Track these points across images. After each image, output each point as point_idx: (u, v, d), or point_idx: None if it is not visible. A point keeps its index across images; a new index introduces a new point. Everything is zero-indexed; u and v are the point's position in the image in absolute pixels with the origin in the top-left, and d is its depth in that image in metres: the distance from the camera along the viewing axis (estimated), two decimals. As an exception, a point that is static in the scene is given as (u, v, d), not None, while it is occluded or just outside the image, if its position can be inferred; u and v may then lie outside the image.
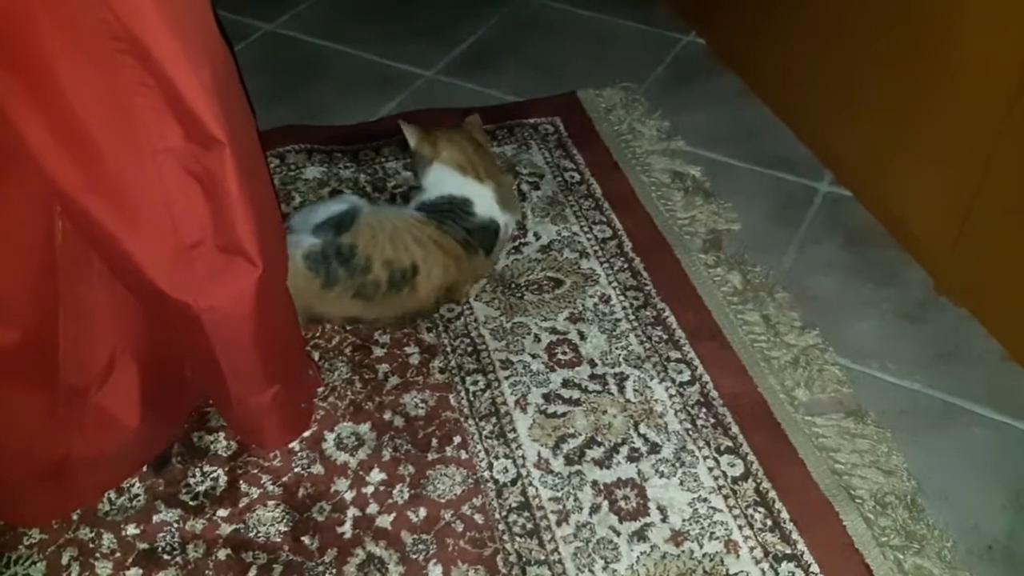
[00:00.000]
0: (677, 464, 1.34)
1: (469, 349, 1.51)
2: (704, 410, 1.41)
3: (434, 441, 1.37)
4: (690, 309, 1.57)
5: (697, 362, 1.48)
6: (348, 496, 1.31)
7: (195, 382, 1.36)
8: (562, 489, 1.31)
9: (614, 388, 1.45)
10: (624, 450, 1.36)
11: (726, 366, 1.48)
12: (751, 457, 1.35)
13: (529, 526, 1.27)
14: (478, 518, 1.28)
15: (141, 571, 1.22)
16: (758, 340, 1.52)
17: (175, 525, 1.27)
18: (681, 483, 1.32)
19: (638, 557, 1.23)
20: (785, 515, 1.28)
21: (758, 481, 1.32)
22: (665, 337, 1.52)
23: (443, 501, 1.30)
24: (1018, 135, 1.38)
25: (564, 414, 1.41)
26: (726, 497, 1.30)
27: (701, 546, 1.25)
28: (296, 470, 1.34)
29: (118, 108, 0.96)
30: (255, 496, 1.31)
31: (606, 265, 1.65)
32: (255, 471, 1.34)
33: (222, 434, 1.38)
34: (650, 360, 1.49)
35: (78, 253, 1.09)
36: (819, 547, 1.24)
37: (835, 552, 1.24)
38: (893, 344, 1.53)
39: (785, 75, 1.96)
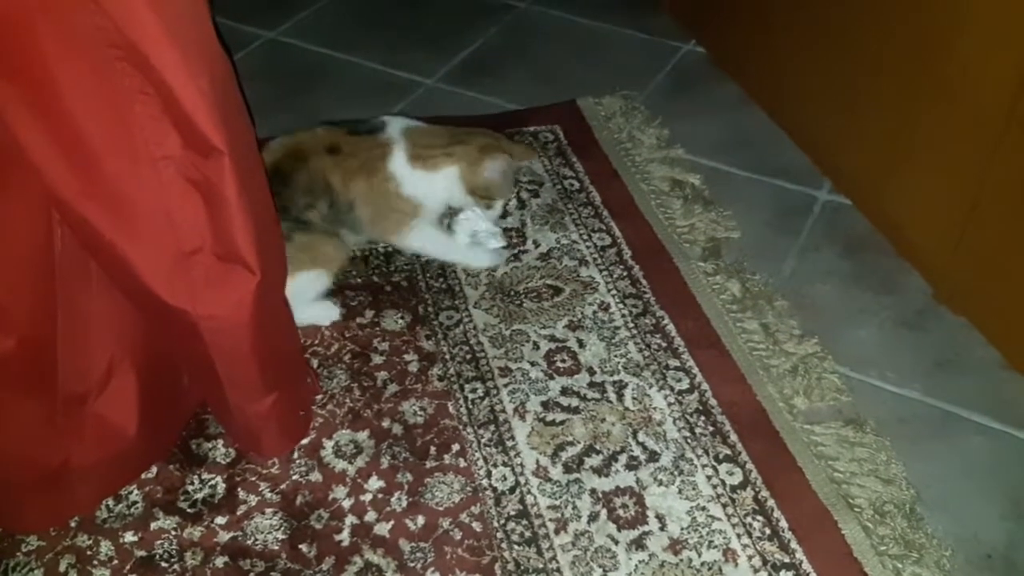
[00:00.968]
0: (676, 472, 1.34)
1: (468, 356, 1.51)
2: (703, 418, 1.41)
3: (432, 449, 1.37)
4: (689, 317, 1.57)
5: (696, 370, 1.48)
6: (346, 504, 1.31)
7: (193, 389, 1.36)
8: (560, 497, 1.31)
9: (613, 396, 1.45)
10: (623, 458, 1.36)
11: (725, 374, 1.48)
12: (750, 465, 1.35)
13: (527, 534, 1.27)
14: (476, 526, 1.28)
15: (139, 579, 1.22)
16: (757, 348, 1.52)
17: (173, 532, 1.27)
18: (680, 491, 1.32)
19: (636, 566, 1.23)
20: (784, 524, 1.28)
21: (757, 490, 1.32)
22: (664, 345, 1.52)
23: (441, 509, 1.30)
24: (1016, 143, 1.39)
25: (563, 422, 1.41)
26: (725, 505, 1.30)
27: (699, 555, 1.24)
28: (294, 478, 1.34)
29: (117, 116, 0.96)
30: (253, 503, 1.31)
31: (605, 273, 1.65)
32: (253, 479, 1.34)
33: (220, 441, 1.38)
34: (649, 368, 1.49)
35: (77, 261, 1.09)
36: (818, 556, 1.24)
37: (834, 561, 1.23)
38: (892, 352, 1.53)
39: (785, 83, 1.96)
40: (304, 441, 1.38)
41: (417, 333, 1.55)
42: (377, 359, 1.50)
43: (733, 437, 1.39)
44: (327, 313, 1.56)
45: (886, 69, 1.65)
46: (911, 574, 1.22)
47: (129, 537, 1.26)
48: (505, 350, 1.52)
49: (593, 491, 1.32)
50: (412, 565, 1.23)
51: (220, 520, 1.28)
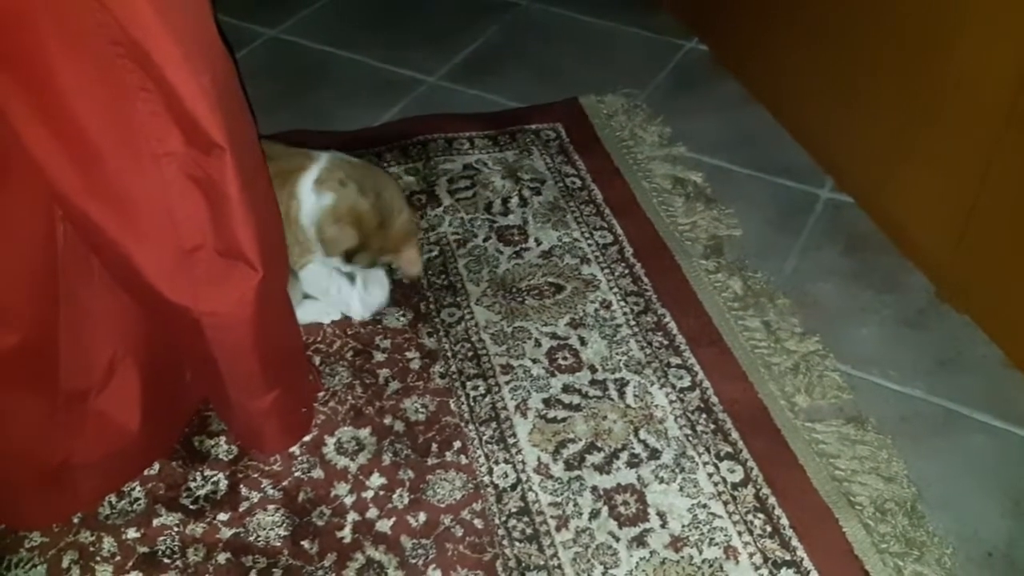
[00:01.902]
0: (677, 470, 1.34)
1: (470, 354, 1.51)
2: (704, 416, 1.41)
3: (434, 446, 1.38)
4: (691, 315, 1.57)
5: (697, 368, 1.48)
6: (348, 500, 1.31)
7: (195, 386, 1.36)
8: (562, 494, 1.31)
9: (614, 393, 1.45)
10: (624, 455, 1.36)
11: (726, 372, 1.48)
12: (751, 463, 1.35)
13: (529, 531, 1.27)
14: (478, 523, 1.28)
15: (141, 575, 1.22)
16: (759, 346, 1.52)
17: (175, 529, 1.27)
18: (681, 489, 1.32)
19: (637, 563, 1.23)
20: (785, 521, 1.28)
21: (758, 487, 1.32)
22: (666, 343, 1.53)
23: (443, 506, 1.30)
24: (1018, 142, 1.38)
25: (564, 419, 1.41)
26: (726, 503, 1.30)
27: (700, 552, 1.24)
28: (296, 474, 1.34)
29: (118, 112, 0.96)
30: (255, 500, 1.31)
31: (607, 271, 1.65)
32: (255, 475, 1.34)
33: (223, 438, 1.38)
34: (650, 366, 1.49)
35: (79, 257, 1.09)
36: (818, 553, 1.24)
37: (835, 559, 1.23)
38: (894, 350, 1.53)
39: (787, 81, 1.96)
40: (306, 438, 1.38)
41: (419, 330, 1.55)
42: (379, 356, 1.51)
43: (734, 435, 1.39)
44: (329, 310, 1.56)
45: (888, 67, 1.65)
46: (912, 572, 1.22)
47: (131, 533, 1.27)
48: (507, 347, 1.52)
49: (594, 488, 1.32)
50: (413, 562, 1.24)
51: (222, 517, 1.29)
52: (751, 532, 1.27)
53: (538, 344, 1.52)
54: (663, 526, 1.27)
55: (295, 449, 1.37)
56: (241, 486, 1.32)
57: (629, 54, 2.26)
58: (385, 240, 1.53)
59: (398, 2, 2.47)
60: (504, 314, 1.57)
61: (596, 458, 1.36)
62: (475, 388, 1.46)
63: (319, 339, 1.53)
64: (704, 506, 1.30)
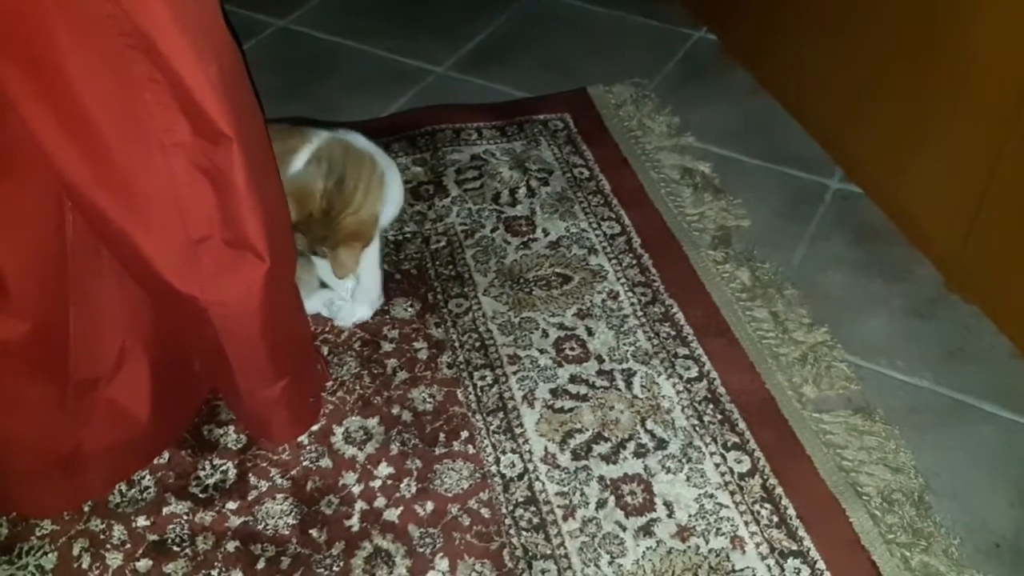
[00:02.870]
0: (684, 460, 1.34)
1: (477, 344, 1.51)
2: (711, 406, 1.41)
3: (442, 436, 1.38)
4: (698, 305, 1.57)
5: (705, 358, 1.48)
6: (356, 490, 1.32)
7: (204, 376, 1.37)
8: (568, 484, 1.32)
9: (621, 384, 1.45)
10: (631, 446, 1.36)
11: (734, 362, 1.47)
12: (758, 453, 1.35)
13: (536, 520, 1.27)
14: (485, 512, 1.28)
15: (151, 562, 1.23)
16: (766, 337, 1.51)
17: (185, 517, 1.28)
18: (688, 479, 1.32)
19: (644, 552, 1.24)
20: (791, 511, 1.28)
21: (765, 477, 1.32)
22: (673, 333, 1.52)
23: (450, 495, 1.31)
24: (1029, 131, 1.38)
25: (571, 409, 1.41)
26: (732, 493, 1.30)
27: (707, 542, 1.25)
28: (305, 464, 1.35)
29: (127, 103, 0.97)
30: (264, 489, 1.32)
31: (614, 261, 1.65)
32: (264, 464, 1.35)
33: (232, 427, 1.39)
34: (658, 356, 1.49)
35: (88, 247, 1.10)
36: (825, 544, 1.24)
37: (841, 549, 1.24)
38: (902, 341, 1.52)
39: (796, 71, 1.95)
40: (314, 427, 1.39)
41: (426, 321, 1.55)
42: (387, 347, 1.51)
43: (742, 425, 1.39)
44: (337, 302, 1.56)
45: (899, 57, 1.64)
46: (919, 562, 1.22)
47: (141, 521, 1.28)
48: (514, 338, 1.52)
49: (601, 478, 1.32)
50: (421, 551, 1.24)
51: (231, 505, 1.30)
52: (758, 522, 1.27)
53: (545, 334, 1.53)
54: (670, 516, 1.28)
55: (303, 438, 1.38)
56: (250, 475, 1.33)
57: (637, 44, 2.25)
58: (327, 230, 1.43)
59: (406, -8, 2.47)
60: (511, 304, 1.58)
61: (603, 448, 1.36)
62: (482, 378, 1.46)
63: (327, 329, 1.54)
64: (711, 496, 1.30)
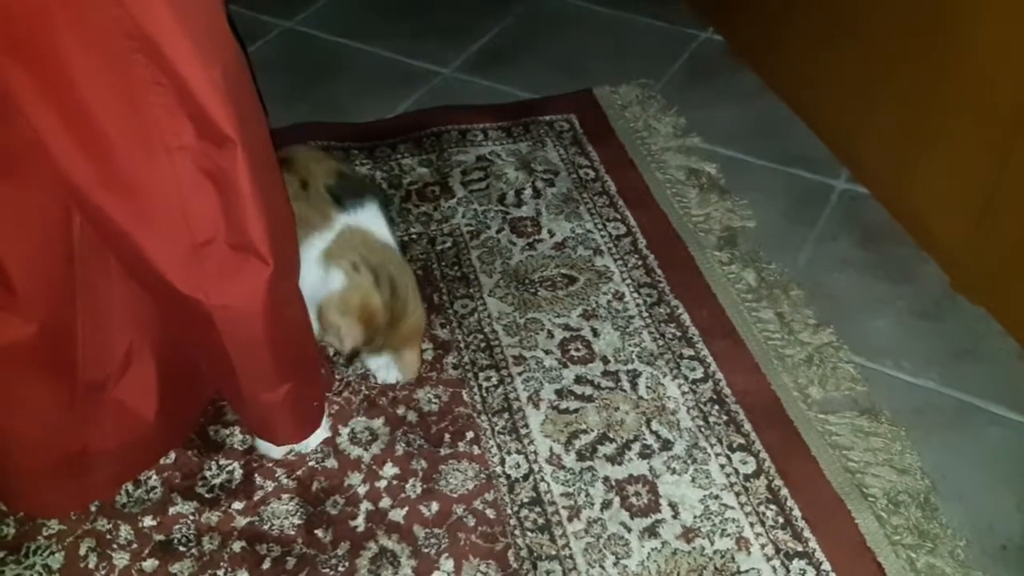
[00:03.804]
0: (689, 461, 1.34)
1: (483, 345, 1.51)
2: (717, 407, 1.41)
3: (447, 436, 1.38)
4: (704, 306, 1.57)
5: (710, 359, 1.48)
6: (361, 490, 1.32)
7: (209, 377, 1.37)
8: (574, 485, 1.32)
9: (627, 385, 1.45)
10: (636, 447, 1.36)
11: (739, 363, 1.47)
12: (763, 454, 1.35)
13: (540, 521, 1.28)
14: (490, 513, 1.29)
15: (157, 562, 1.24)
16: (772, 338, 1.51)
17: (191, 517, 1.29)
18: (693, 480, 1.32)
19: (649, 553, 1.24)
20: (797, 512, 1.28)
21: (770, 478, 1.32)
22: (678, 334, 1.52)
23: (455, 496, 1.31)
24: (1036, 132, 1.37)
25: (576, 410, 1.41)
26: (738, 494, 1.30)
27: (712, 543, 1.25)
28: (310, 464, 1.35)
29: (131, 106, 0.97)
30: (270, 489, 1.32)
31: (620, 262, 1.65)
32: (270, 464, 1.35)
33: (237, 428, 1.39)
34: (663, 357, 1.49)
35: (95, 248, 1.10)
36: (831, 545, 1.24)
37: (847, 550, 1.23)
38: (908, 342, 1.52)
39: (802, 72, 1.95)
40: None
41: (432, 321, 1.55)
42: (392, 347, 1.51)
43: (747, 426, 1.39)
44: None
45: (906, 58, 1.63)
46: (925, 564, 1.22)
47: (148, 521, 1.28)
48: (519, 338, 1.52)
49: (606, 479, 1.32)
50: (426, 551, 1.25)
51: (237, 505, 1.30)
52: (763, 523, 1.27)
53: (551, 335, 1.53)
54: (675, 517, 1.28)
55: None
56: (256, 475, 1.34)
57: (643, 44, 2.25)
58: (390, 338, 1.39)
59: (413, -7, 2.48)
60: (517, 305, 1.58)
61: (608, 449, 1.36)
62: (488, 379, 1.46)
63: (333, 330, 1.54)
64: (716, 497, 1.30)
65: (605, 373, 1.47)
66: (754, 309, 1.56)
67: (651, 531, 1.26)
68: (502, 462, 1.35)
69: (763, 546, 1.24)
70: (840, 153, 1.87)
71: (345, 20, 2.37)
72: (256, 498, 1.31)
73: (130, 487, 1.32)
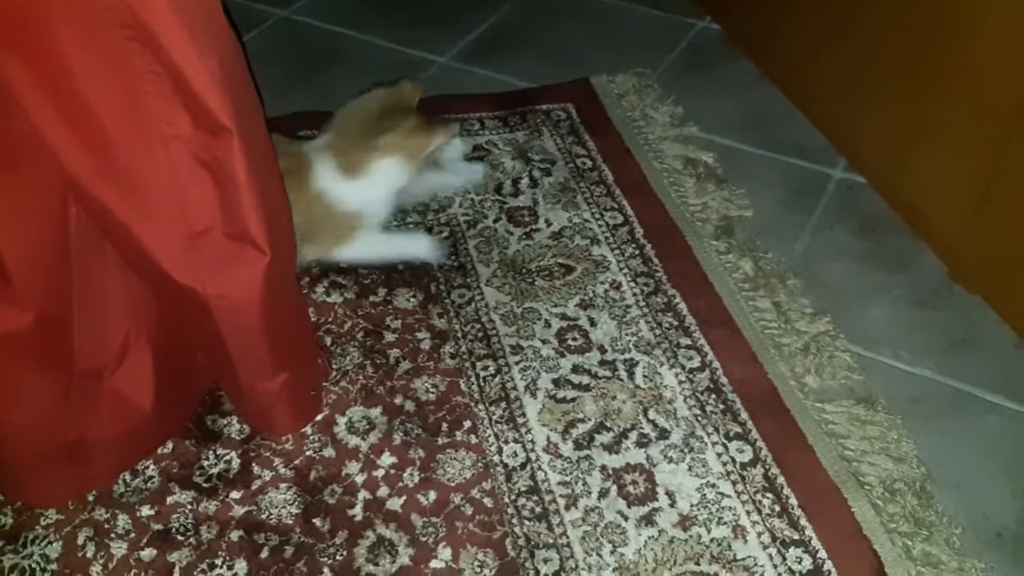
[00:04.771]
0: (686, 450, 1.35)
1: (480, 334, 1.51)
2: (713, 396, 1.42)
3: (444, 425, 1.38)
4: (701, 296, 1.57)
5: (707, 348, 1.48)
6: (359, 479, 1.32)
7: (207, 367, 1.37)
8: (571, 474, 1.32)
9: (624, 374, 1.45)
10: (633, 435, 1.36)
11: (736, 352, 1.48)
12: (760, 443, 1.35)
13: (538, 510, 1.28)
14: (487, 502, 1.29)
15: (155, 551, 1.24)
16: (769, 327, 1.51)
17: (189, 507, 1.29)
18: (690, 468, 1.32)
19: (646, 541, 1.24)
20: (793, 501, 1.28)
21: (767, 467, 1.32)
22: (675, 323, 1.53)
23: (453, 485, 1.31)
24: (1033, 121, 1.37)
25: (573, 399, 1.41)
26: (734, 483, 1.30)
27: (709, 531, 1.25)
28: (308, 453, 1.35)
29: (128, 95, 0.97)
30: (267, 479, 1.32)
31: (617, 252, 1.65)
32: (267, 454, 1.35)
33: (235, 417, 1.39)
34: (660, 346, 1.49)
35: (92, 238, 1.10)
36: (827, 533, 1.24)
37: (843, 538, 1.24)
38: (905, 331, 1.52)
39: (800, 61, 1.95)
40: (318, 417, 1.40)
41: (429, 311, 1.55)
42: (390, 337, 1.51)
43: (744, 415, 1.39)
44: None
45: (903, 46, 1.63)
46: (921, 552, 1.22)
47: (146, 511, 1.28)
48: (517, 328, 1.52)
49: (603, 468, 1.32)
50: (424, 540, 1.25)
51: (235, 495, 1.30)
52: (760, 511, 1.27)
53: (548, 325, 1.53)
54: (672, 505, 1.28)
55: (307, 428, 1.38)
56: (253, 465, 1.34)
57: (640, 33, 2.25)
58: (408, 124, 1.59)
59: (409, -18, 2.47)
60: (514, 295, 1.58)
61: (605, 438, 1.36)
62: (485, 368, 1.46)
63: (330, 319, 1.54)
64: (713, 486, 1.30)
65: (602, 362, 1.47)
66: (751, 298, 1.56)
67: (648, 519, 1.26)
68: (499, 451, 1.35)
69: (759, 534, 1.25)
70: (837, 142, 1.87)
71: (341, 9, 2.36)
72: (254, 487, 1.31)
73: (128, 477, 1.32)
